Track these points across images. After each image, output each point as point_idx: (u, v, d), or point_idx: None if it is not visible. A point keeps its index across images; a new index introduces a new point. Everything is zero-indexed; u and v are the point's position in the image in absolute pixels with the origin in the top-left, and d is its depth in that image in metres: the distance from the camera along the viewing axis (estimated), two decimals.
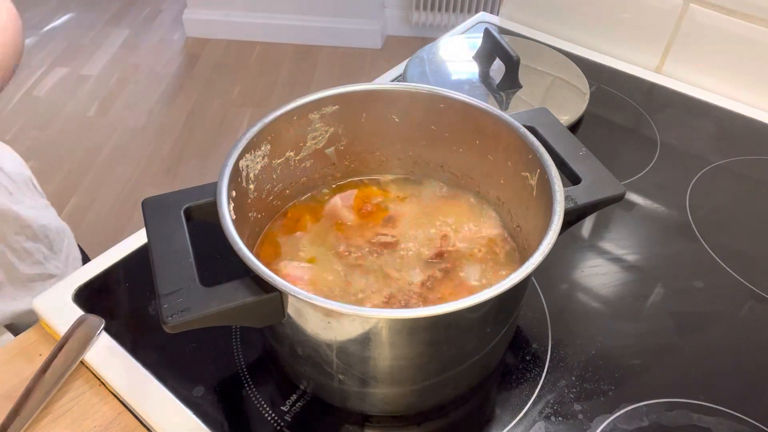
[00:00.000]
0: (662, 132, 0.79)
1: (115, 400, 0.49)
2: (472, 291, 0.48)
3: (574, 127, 0.77)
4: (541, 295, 0.57)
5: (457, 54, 0.86)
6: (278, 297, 0.38)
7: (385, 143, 0.56)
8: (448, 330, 0.40)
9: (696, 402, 0.49)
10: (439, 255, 0.50)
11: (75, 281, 0.56)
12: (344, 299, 0.47)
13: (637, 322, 0.56)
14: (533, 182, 0.47)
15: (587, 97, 0.79)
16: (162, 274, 0.38)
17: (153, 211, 0.43)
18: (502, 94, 0.79)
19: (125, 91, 2.37)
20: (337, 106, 0.52)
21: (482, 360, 0.46)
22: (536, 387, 0.50)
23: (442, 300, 0.47)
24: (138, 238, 0.60)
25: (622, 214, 0.67)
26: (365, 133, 0.55)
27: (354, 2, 2.55)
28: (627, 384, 0.50)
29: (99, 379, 0.50)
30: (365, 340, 0.39)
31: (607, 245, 0.63)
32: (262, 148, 0.48)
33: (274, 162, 0.51)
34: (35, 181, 0.75)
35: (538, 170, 0.46)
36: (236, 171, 0.45)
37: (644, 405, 0.49)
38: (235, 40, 2.66)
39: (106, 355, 0.50)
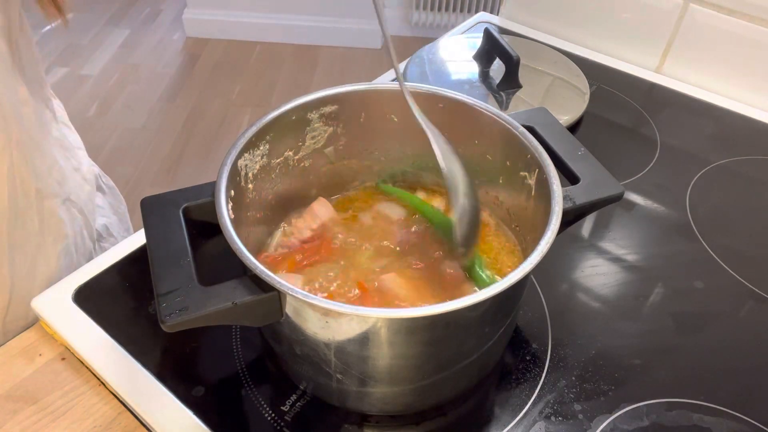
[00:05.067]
0: (662, 132, 0.79)
1: (115, 400, 0.49)
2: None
3: (574, 127, 0.77)
4: (541, 295, 0.57)
5: (457, 54, 0.86)
6: (276, 296, 0.38)
7: (384, 143, 0.56)
8: (446, 329, 0.40)
9: (696, 402, 0.49)
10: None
11: (75, 281, 0.56)
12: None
13: (637, 322, 0.56)
14: (532, 182, 0.47)
15: (587, 97, 0.79)
16: (160, 273, 0.38)
17: (152, 210, 0.43)
18: (502, 94, 0.79)
19: (125, 91, 2.37)
20: (336, 106, 0.52)
21: (481, 359, 0.46)
22: (536, 387, 0.50)
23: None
24: (138, 238, 0.60)
25: (622, 214, 0.67)
26: (364, 133, 0.54)
27: (354, 2, 2.55)
28: (627, 384, 0.50)
29: (99, 379, 0.50)
30: (363, 339, 0.39)
31: (607, 245, 0.63)
32: (261, 148, 0.48)
33: (272, 162, 0.51)
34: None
35: (537, 170, 0.46)
36: (235, 170, 0.45)
37: (644, 405, 0.49)
38: (235, 40, 2.66)
39: (106, 355, 0.50)
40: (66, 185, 0.58)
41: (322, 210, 0.53)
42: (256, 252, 0.51)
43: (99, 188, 0.71)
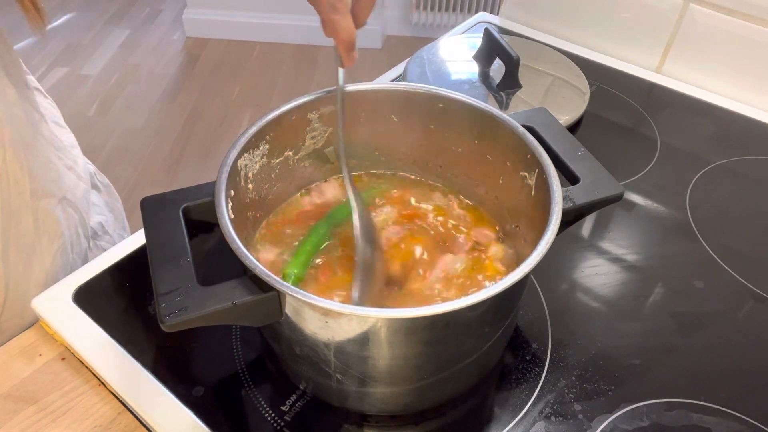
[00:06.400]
0: (662, 132, 0.79)
1: (115, 400, 0.49)
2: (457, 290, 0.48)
3: (574, 127, 0.77)
4: (541, 295, 0.57)
5: (457, 54, 0.86)
6: (276, 296, 0.38)
7: (384, 143, 0.56)
8: (446, 329, 0.40)
9: (696, 402, 0.49)
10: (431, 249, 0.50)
11: (75, 281, 0.56)
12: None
13: (637, 322, 0.56)
14: (531, 182, 0.47)
15: (587, 97, 0.79)
16: (160, 273, 0.38)
17: (151, 210, 0.43)
18: (502, 94, 0.79)
19: (125, 91, 2.37)
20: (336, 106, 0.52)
21: (480, 359, 0.46)
22: (536, 387, 0.50)
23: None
24: (138, 238, 0.60)
25: (622, 214, 0.67)
26: (364, 132, 0.54)
27: None
28: (627, 384, 0.50)
29: (99, 379, 0.50)
30: (363, 339, 0.39)
31: (607, 245, 0.63)
32: (261, 148, 0.48)
33: (272, 161, 0.51)
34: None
35: (537, 170, 0.46)
36: (235, 170, 0.45)
37: (644, 405, 0.49)
38: (235, 40, 2.66)
39: (106, 355, 0.50)
40: (61, 184, 0.59)
41: (328, 188, 0.55)
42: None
43: (94, 186, 0.71)
